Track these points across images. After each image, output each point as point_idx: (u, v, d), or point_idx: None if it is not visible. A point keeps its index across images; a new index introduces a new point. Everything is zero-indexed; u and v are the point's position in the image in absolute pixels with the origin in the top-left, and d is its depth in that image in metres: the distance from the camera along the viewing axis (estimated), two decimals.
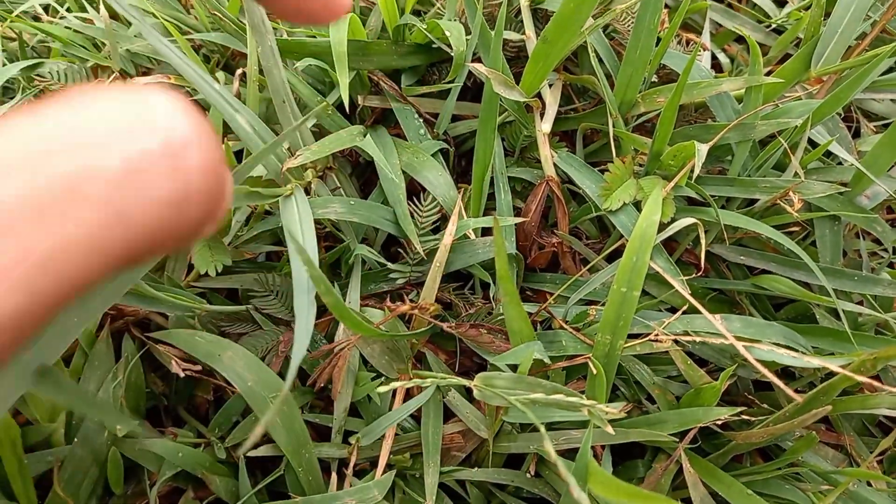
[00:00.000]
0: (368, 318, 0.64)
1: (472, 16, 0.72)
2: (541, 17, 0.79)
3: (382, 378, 0.66)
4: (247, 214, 0.72)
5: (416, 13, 0.79)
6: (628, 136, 0.71)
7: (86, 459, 0.60)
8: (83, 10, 0.86)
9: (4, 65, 0.79)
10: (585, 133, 0.78)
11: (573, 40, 0.65)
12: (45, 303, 0.20)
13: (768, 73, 0.75)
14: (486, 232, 0.71)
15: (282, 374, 0.62)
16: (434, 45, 0.74)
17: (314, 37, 0.73)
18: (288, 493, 0.63)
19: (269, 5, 0.31)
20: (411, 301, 0.66)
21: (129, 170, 0.21)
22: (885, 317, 0.69)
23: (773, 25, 0.94)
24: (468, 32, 0.73)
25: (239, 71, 0.74)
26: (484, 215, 0.71)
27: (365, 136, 0.69)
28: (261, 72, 0.65)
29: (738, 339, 0.56)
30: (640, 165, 0.71)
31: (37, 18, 0.87)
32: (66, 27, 0.81)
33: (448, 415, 0.67)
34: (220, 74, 0.78)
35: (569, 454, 0.64)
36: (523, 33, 0.75)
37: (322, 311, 0.69)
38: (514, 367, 0.61)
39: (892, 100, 0.90)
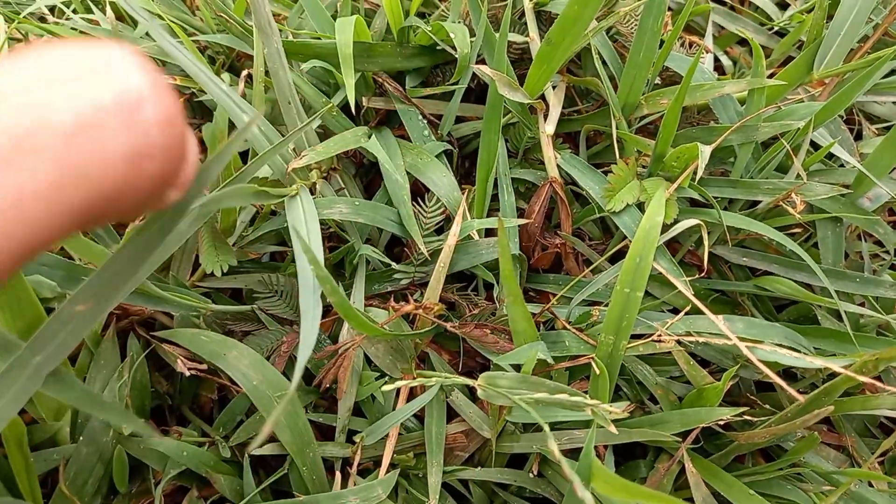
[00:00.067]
0: (373, 318, 0.64)
1: (476, 18, 0.73)
2: (544, 20, 0.80)
3: (386, 378, 0.66)
4: (251, 215, 0.72)
5: (421, 15, 0.79)
6: (631, 137, 0.71)
7: (91, 458, 0.61)
8: (89, 11, 0.86)
9: None
10: (589, 135, 0.79)
11: (577, 42, 0.66)
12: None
13: (771, 76, 0.75)
14: (489, 233, 0.71)
15: (285, 374, 0.63)
16: (438, 47, 0.74)
17: (319, 38, 0.73)
18: (292, 491, 0.63)
19: None
20: (415, 301, 0.66)
21: (82, 123, 0.21)
22: (887, 318, 0.69)
23: (776, 28, 0.95)
24: (472, 34, 0.73)
25: (244, 72, 0.74)
26: (487, 216, 0.72)
27: (370, 137, 0.70)
28: (266, 73, 0.65)
29: (741, 339, 0.57)
30: (644, 167, 0.71)
31: (42, 19, 0.87)
32: (72, 28, 0.81)
33: (451, 415, 0.67)
34: (226, 76, 0.78)
35: (572, 454, 0.65)
36: (527, 35, 0.76)
37: (326, 311, 0.70)
38: (517, 368, 0.61)
39: (893, 102, 0.90)
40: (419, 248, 0.66)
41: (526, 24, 0.76)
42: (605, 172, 0.71)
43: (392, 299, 0.69)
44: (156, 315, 0.69)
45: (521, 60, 0.79)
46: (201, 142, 0.81)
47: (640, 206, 0.68)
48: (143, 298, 0.61)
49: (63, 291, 0.58)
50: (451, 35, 0.70)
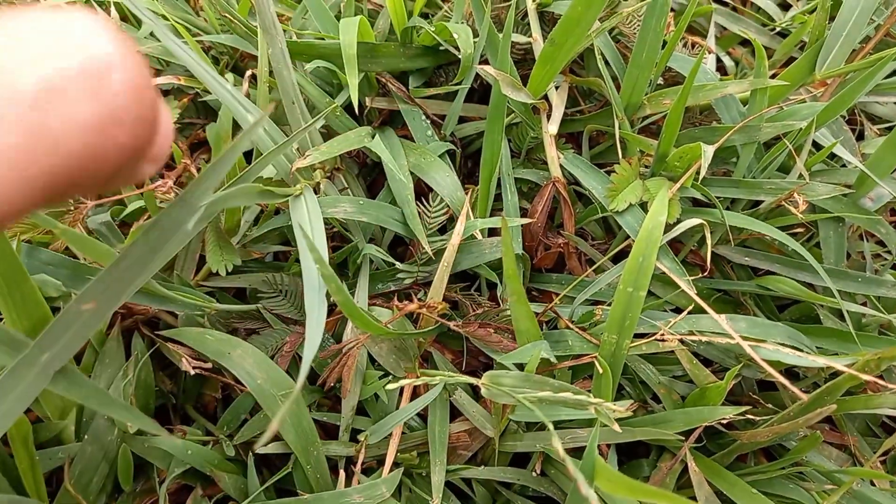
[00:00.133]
0: (376, 317, 0.64)
1: (479, 18, 0.73)
2: (547, 20, 0.80)
3: (390, 377, 0.66)
4: (255, 214, 0.72)
5: (424, 16, 0.80)
6: (634, 137, 0.71)
7: (96, 456, 0.61)
8: None
9: None
10: (591, 135, 0.79)
11: (580, 43, 0.66)
12: None
13: (773, 76, 0.76)
14: (492, 232, 0.71)
15: (289, 373, 0.63)
16: (441, 48, 0.75)
17: (323, 39, 0.74)
18: (296, 490, 0.63)
19: None
20: (419, 300, 0.66)
21: (47, 89, 0.20)
22: (889, 318, 0.69)
23: (778, 29, 0.95)
24: (475, 35, 0.73)
25: (248, 72, 0.74)
26: (490, 216, 0.72)
27: (373, 137, 0.70)
28: (270, 73, 0.65)
29: (744, 339, 0.57)
30: (646, 167, 0.71)
31: None
32: None
33: (454, 414, 0.68)
34: (229, 76, 0.78)
35: (575, 453, 0.65)
36: (530, 36, 0.76)
37: (329, 311, 0.70)
38: (520, 367, 0.61)
39: (895, 103, 0.90)
40: (423, 248, 0.66)
41: (529, 24, 0.77)
42: (608, 172, 0.71)
43: (395, 299, 0.69)
44: (160, 314, 0.69)
45: (524, 61, 0.80)
46: (205, 142, 0.82)
47: (643, 206, 0.68)
48: (148, 298, 0.61)
49: (68, 290, 0.58)
50: (455, 35, 0.70)
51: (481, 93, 0.81)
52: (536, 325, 0.63)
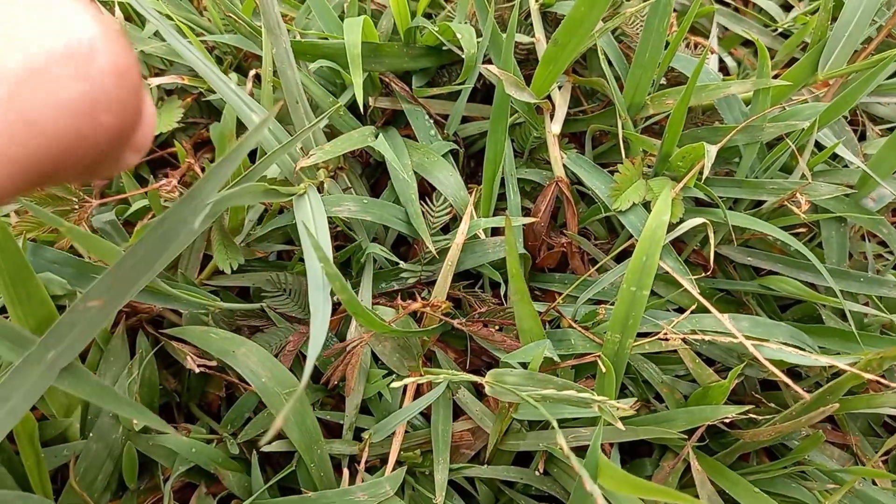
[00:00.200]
0: (380, 315, 0.64)
1: (483, 18, 0.73)
2: (550, 21, 0.80)
3: (394, 375, 0.67)
4: (259, 213, 0.72)
5: (427, 16, 0.80)
6: (637, 137, 0.72)
7: (101, 454, 0.61)
8: None
9: None
10: (594, 135, 0.79)
11: (583, 43, 0.66)
12: None
13: (775, 77, 0.76)
14: (495, 232, 0.72)
15: (292, 371, 0.63)
16: (445, 48, 0.75)
17: (327, 39, 0.74)
18: (299, 488, 0.64)
19: None
20: (423, 299, 0.66)
21: (31, 70, 0.20)
22: (891, 317, 0.69)
23: (780, 29, 0.95)
24: (479, 35, 0.73)
25: (252, 72, 0.74)
26: (493, 216, 0.72)
27: (377, 136, 0.70)
28: (274, 73, 0.65)
29: (747, 338, 0.57)
30: (649, 167, 0.71)
31: None
32: None
33: (457, 413, 0.68)
34: (233, 75, 0.78)
35: (578, 452, 0.65)
36: (533, 36, 0.76)
37: (333, 309, 0.70)
38: (524, 366, 0.62)
39: None
40: (426, 247, 0.66)
41: (532, 24, 0.77)
42: (611, 172, 0.71)
43: (399, 298, 0.70)
44: (164, 313, 0.69)
45: (526, 61, 0.80)
46: (208, 141, 0.82)
47: (646, 206, 0.68)
48: (153, 296, 0.61)
49: (73, 289, 0.58)
50: (458, 35, 0.70)
51: (484, 93, 0.81)
52: (540, 324, 0.63)
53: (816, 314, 0.73)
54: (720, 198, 0.68)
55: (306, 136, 0.67)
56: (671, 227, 0.63)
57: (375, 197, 0.73)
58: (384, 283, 0.71)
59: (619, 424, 0.52)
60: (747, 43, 0.97)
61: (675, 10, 0.82)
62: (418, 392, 0.68)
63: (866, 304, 0.73)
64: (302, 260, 0.71)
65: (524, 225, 0.71)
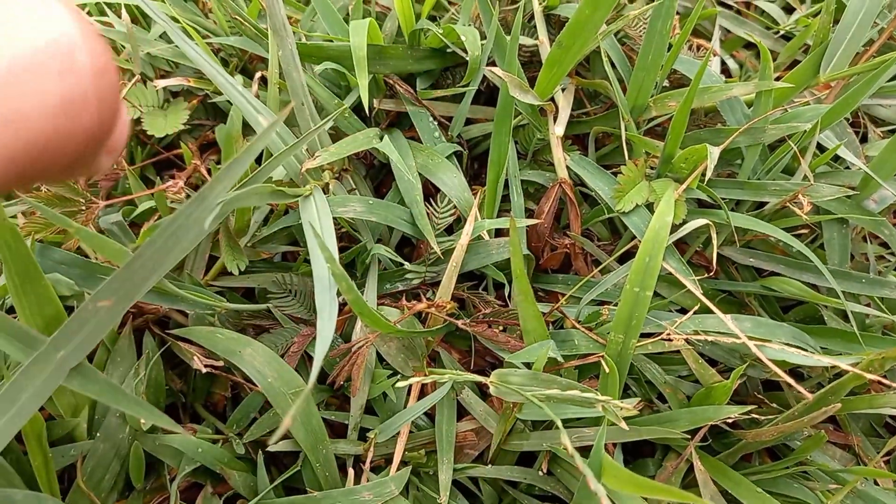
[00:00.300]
0: (386, 316, 0.65)
1: (487, 21, 0.74)
2: (553, 23, 0.81)
3: (398, 376, 0.67)
4: (264, 214, 0.73)
5: (431, 18, 0.80)
6: (640, 139, 0.72)
7: (108, 454, 0.62)
8: (102, 13, 0.87)
9: None
10: (597, 136, 0.80)
11: (587, 46, 0.67)
12: None
13: (777, 79, 0.76)
14: (499, 233, 0.72)
15: (297, 371, 0.64)
16: (449, 50, 0.75)
17: (332, 41, 0.74)
18: (304, 488, 0.64)
19: None
20: (428, 300, 0.67)
21: (11, 68, 0.20)
22: (893, 318, 0.70)
23: (782, 32, 0.95)
24: (483, 37, 0.74)
25: (258, 74, 0.75)
26: (497, 217, 0.72)
27: (381, 138, 0.71)
28: (280, 75, 0.66)
29: (750, 339, 0.57)
30: (652, 168, 0.72)
31: None
32: None
33: (461, 413, 0.68)
34: (238, 78, 0.79)
35: (582, 452, 0.65)
36: (536, 38, 0.77)
37: (338, 310, 0.71)
38: (528, 366, 0.62)
39: None
40: (431, 248, 0.67)
41: (535, 27, 0.77)
42: (614, 174, 0.72)
43: (403, 298, 0.70)
44: (170, 313, 0.70)
45: (530, 63, 0.80)
46: (214, 143, 0.82)
47: (649, 207, 0.69)
48: (160, 297, 0.62)
49: (81, 290, 0.59)
50: (462, 38, 0.71)
51: (487, 95, 0.82)
52: (543, 324, 0.64)
53: (818, 315, 0.74)
54: (723, 199, 0.69)
55: (312, 137, 0.67)
56: (674, 228, 0.63)
57: (379, 198, 0.73)
58: (389, 284, 0.71)
59: (623, 424, 0.52)
60: (749, 45, 0.97)
61: (677, 13, 0.83)
62: (422, 392, 0.68)
63: (868, 305, 0.73)
64: (307, 261, 0.72)
65: (528, 226, 0.72)
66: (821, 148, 0.76)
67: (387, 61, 0.74)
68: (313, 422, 0.61)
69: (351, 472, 0.65)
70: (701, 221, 0.64)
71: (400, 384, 0.55)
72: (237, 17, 0.73)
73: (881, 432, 0.75)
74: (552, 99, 0.74)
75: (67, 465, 0.61)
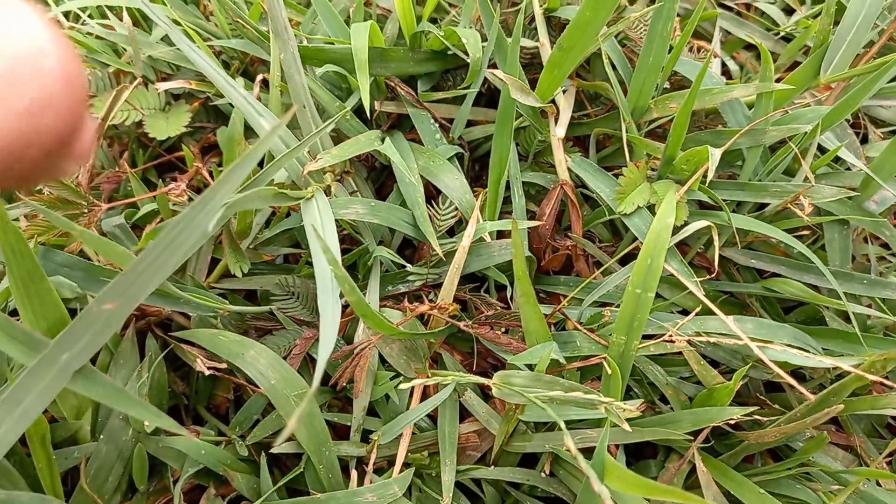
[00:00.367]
0: (388, 318, 0.65)
1: (488, 23, 0.74)
2: (553, 25, 0.81)
3: (401, 377, 0.67)
4: (266, 217, 0.73)
5: (432, 20, 0.81)
6: (641, 141, 0.72)
7: (111, 456, 0.62)
8: (104, 16, 0.88)
9: None
10: (598, 138, 0.80)
11: (588, 48, 0.67)
12: None
13: (777, 80, 0.76)
14: (500, 235, 0.72)
15: (300, 373, 0.64)
16: (450, 52, 0.75)
17: (333, 43, 0.74)
18: (307, 490, 0.64)
19: None
20: (430, 301, 0.67)
21: None
22: (894, 319, 0.70)
23: (782, 33, 0.96)
24: (483, 39, 0.74)
25: (259, 77, 0.75)
26: (498, 219, 0.73)
27: (383, 140, 0.71)
28: (281, 78, 0.66)
29: (752, 340, 0.57)
30: (653, 170, 0.72)
31: (57, 24, 0.88)
32: (88, 33, 0.82)
33: (463, 415, 0.68)
34: (240, 80, 0.79)
35: (584, 453, 0.65)
36: (537, 40, 0.77)
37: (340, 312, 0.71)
38: (530, 367, 0.62)
39: None
40: (433, 250, 0.67)
41: (536, 29, 0.78)
42: (615, 175, 0.72)
43: (406, 300, 0.70)
44: (173, 315, 0.70)
45: (531, 65, 0.81)
46: (216, 145, 0.82)
47: (651, 209, 0.69)
48: (163, 299, 0.62)
49: (83, 292, 0.59)
50: (464, 40, 0.71)
51: (488, 97, 0.82)
52: (546, 326, 0.64)
53: (820, 316, 0.74)
54: (724, 201, 0.69)
55: (314, 140, 0.67)
56: (675, 229, 0.63)
57: (381, 200, 0.74)
58: (391, 286, 0.71)
59: (626, 426, 0.52)
60: (749, 46, 0.98)
61: (678, 15, 0.83)
62: (425, 394, 0.69)
63: (869, 306, 0.74)
64: (309, 263, 0.72)
65: (529, 228, 0.72)
66: (821, 149, 0.76)
67: (388, 63, 0.74)
68: (316, 424, 0.61)
69: (354, 473, 0.65)
70: (702, 223, 0.64)
71: (402, 386, 0.55)
72: (238, 19, 0.74)
73: (883, 433, 0.75)
74: (553, 101, 0.74)
75: (71, 467, 0.61)
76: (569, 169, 0.73)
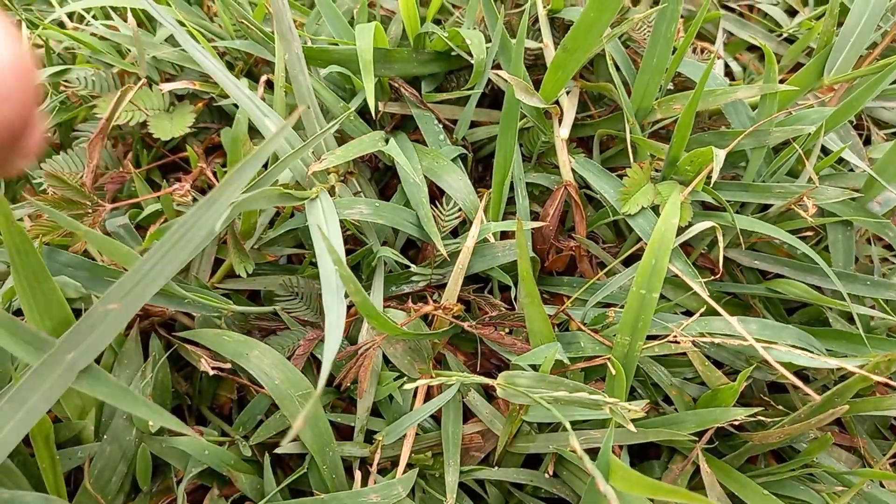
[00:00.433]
0: (392, 318, 0.65)
1: (492, 25, 0.74)
2: (558, 26, 0.81)
3: (405, 378, 0.67)
4: (270, 217, 0.73)
5: (436, 21, 0.81)
6: (645, 142, 0.72)
7: (114, 456, 0.62)
8: (108, 17, 0.88)
9: None
10: (602, 139, 0.80)
11: (592, 49, 0.67)
12: None
13: (780, 82, 0.76)
14: (504, 235, 0.72)
15: (304, 374, 0.64)
16: (453, 53, 0.76)
17: (337, 44, 0.75)
18: (310, 490, 0.64)
19: None
20: (434, 302, 0.67)
21: None
22: None
23: (785, 35, 0.96)
24: (487, 41, 0.74)
25: (263, 77, 0.75)
26: (502, 219, 0.73)
27: (387, 141, 0.71)
28: (286, 78, 0.66)
29: (756, 340, 0.57)
30: (657, 171, 0.72)
31: (61, 25, 0.88)
32: (92, 34, 0.83)
33: (467, 415, 0.68)
34: (244, 81, 0.79)
35: (588, 454, 0.65)
36: (541, 41, 0.77)
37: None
38: (534, 368, 0.62)
39: None
40: (437, 250, 0.67)
41: (539, 30, 0.78)
42: (619, 176, 0.72)
43: (409, 301, 0.70)
44: (176, 316, 0.70)
45: (534, 66, 0.81)
46: (219, 146, 0.82)
47: (655, 210, 0.69)
48: (167, 299, 0.62)
49: (88, 292, 0.59)
50: (468, 41, 0.71)
51: (492, 98, 0.82)
52: (550, 326, 0.64)
53: (823, 317, 0.74)
54: (728, 201, 0.69)
55: (318, 141, 0.67)
56: (680, 230, 0.63)
57: (384, 201, 0.74)
58: (395, 287, 0.71)
59: (631, 426, 0.52)
60: (752, 48, 0.98)
61: (681, 17, 0.83)
62: (429, 394, 0.69)
63: (872, 307, 0.74)
64: (312, 263, 0.72)
65: (533, 229, 0.72)
66: (825, 150, 0.76)
67: (392, 64, 0.74)
68: (320, 424, 0.61)
69: (358, 474, 0.65)
70: (706, 224, 0.64)
71: (406, 386, 0.55)
72: (243, 20, 0.74)
73: (886, 434, 0.75)
74: (557, 102, 0.74)
75: (74, 467, 0.61)
76: (573, 170, 0.73)
